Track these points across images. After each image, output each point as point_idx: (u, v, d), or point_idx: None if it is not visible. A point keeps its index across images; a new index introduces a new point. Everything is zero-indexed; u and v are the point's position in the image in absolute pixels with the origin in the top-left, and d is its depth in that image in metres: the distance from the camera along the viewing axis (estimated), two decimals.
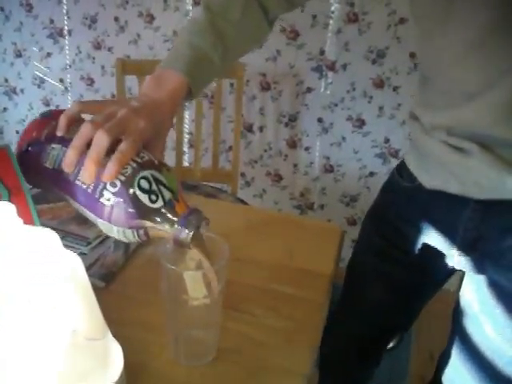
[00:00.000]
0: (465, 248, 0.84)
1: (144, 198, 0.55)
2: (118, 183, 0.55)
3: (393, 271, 0.97)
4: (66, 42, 2.32)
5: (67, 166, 0.57)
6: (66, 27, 2.29)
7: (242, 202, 1.78)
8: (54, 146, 0.61)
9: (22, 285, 0.42)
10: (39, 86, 2.48)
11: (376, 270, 0.99)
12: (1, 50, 2.47)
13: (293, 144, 2.17)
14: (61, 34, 2.31)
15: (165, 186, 0.57)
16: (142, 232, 0.58)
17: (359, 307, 1.05)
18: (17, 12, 2.34)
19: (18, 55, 2.45)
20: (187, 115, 2.16)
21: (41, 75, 2.44)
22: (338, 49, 1.94)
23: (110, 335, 0.51)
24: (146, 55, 2.18)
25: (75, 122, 0.62)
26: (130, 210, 0.55)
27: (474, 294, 0.86)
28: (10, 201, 0.59)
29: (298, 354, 0.67)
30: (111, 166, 0.54)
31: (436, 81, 0.79)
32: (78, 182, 0.58)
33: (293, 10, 0.86)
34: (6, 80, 2.54)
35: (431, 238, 0.88)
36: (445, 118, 0.78)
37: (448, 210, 0.83)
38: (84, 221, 0.91)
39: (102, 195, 0.56)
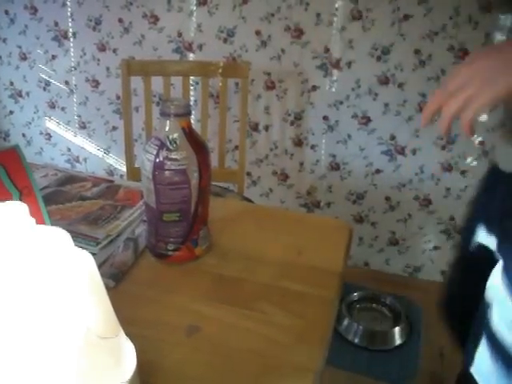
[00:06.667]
0: None
1: None
2: None
3: None
4: (71, 44, 2.33)
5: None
6: (70, 29, 2.30)
7: (249, 201, 1.78)
8: None
9: (36, 284, 0.42)
10: (44, 89, 2.48)
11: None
12: (6, 54, 2.48)
13: (298, 142, 2.16)
14: (65, 36, 2.32)
15: None
16: None
17: None
18: (21, 15, 2.35)
19: (23, 58, 2.46)
20: (193, 115, 2.16)
21: (46, 78, 2.45)
22: (343, 46, 1.94)
23: (122, 334, 0.52)
24: (150, 56, 2.18)
25: None
26: None
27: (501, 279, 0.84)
28: (20, 201, 0.59)
29: (309, 351, 0.67)
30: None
31: None
32: None
33: None
34: (12, 83, 2.55)
35: None
36: None
37: None
38: (93, 221, 0.92)
39: None
